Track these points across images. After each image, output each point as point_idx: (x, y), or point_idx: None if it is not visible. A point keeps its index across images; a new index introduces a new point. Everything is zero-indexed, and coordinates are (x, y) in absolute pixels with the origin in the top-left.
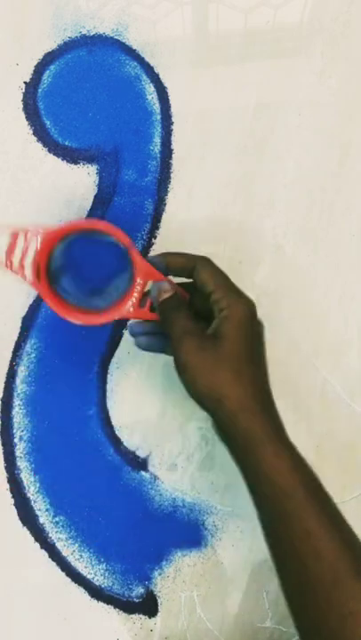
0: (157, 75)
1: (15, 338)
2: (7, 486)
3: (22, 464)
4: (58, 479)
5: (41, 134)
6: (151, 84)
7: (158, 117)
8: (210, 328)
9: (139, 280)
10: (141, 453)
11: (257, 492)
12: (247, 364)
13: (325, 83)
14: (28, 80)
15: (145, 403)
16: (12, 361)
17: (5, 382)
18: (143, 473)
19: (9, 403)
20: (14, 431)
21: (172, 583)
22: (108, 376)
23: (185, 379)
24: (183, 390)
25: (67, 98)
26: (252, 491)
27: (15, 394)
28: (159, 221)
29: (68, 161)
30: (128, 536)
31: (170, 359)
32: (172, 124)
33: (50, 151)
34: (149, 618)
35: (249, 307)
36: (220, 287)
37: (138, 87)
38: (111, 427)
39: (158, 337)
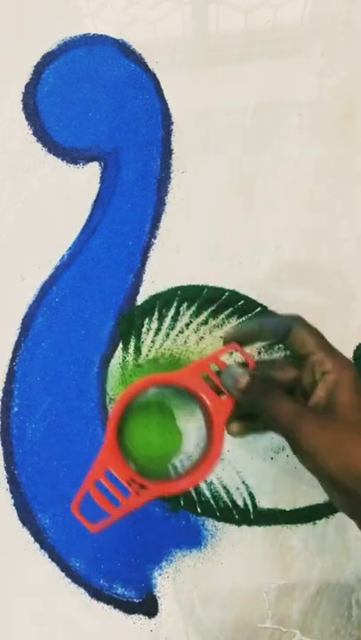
0: (157, 75)
1: (15, 338)
2: (7, 486)
3: (22, 464)
4: (58, 479)
5: (41, 134)
6: (151, 84)
7: (158, 117)
8: (315, 396)
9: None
10: None
11: None
12: None
13: (325, 83)
14: (27, 80)
15: None
16: (11, 361)
17: (5, 382)
18: None
19: (9, 403)
20: (14, 431)
21: (172, 583)
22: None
23: (315, 465)
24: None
25: (66, 98)
26: None
27: (15, 394)
28: (159, 221)
29: (67, 161)
30: (128, 536)
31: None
32: (171, 124)
33: (50, 151)
34: (149, 618)
35: (352, 367)
36: (320, 348)
37: (138, 87)
38: None
39: (248, 419)
